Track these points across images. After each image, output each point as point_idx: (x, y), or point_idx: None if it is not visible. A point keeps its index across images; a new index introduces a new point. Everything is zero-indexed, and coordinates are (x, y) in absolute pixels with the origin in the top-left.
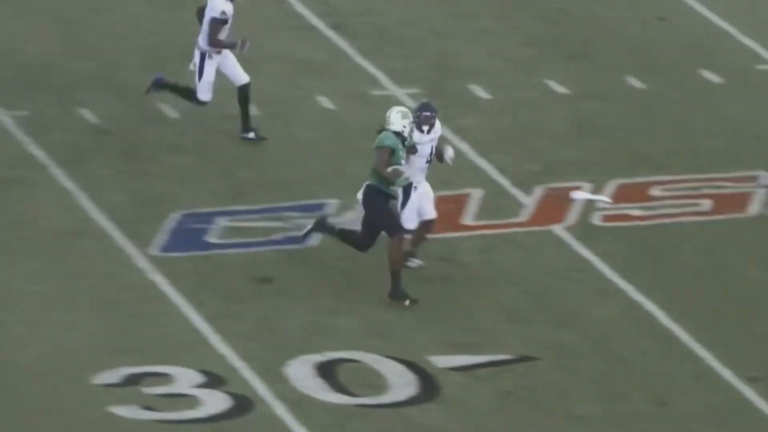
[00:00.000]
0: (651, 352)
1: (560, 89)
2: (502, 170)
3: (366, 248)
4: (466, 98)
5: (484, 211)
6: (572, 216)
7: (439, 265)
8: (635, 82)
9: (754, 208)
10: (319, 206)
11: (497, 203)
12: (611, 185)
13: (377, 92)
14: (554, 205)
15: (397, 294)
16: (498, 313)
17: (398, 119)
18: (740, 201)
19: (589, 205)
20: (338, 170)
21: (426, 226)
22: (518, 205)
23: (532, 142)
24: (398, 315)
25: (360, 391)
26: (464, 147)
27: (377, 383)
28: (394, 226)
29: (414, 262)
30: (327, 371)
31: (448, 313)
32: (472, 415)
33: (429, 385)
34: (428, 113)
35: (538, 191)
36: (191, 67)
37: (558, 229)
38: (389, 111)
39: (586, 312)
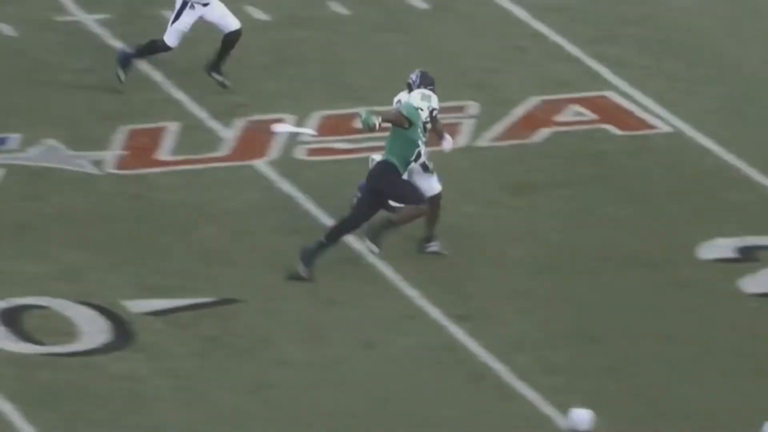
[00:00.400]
0: (359, 293)
1: (260, 16)
2: (199, 101)
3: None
4: (160, 24)
5: (180, 145)
6: (275, 150)
7: (131, 203)
8: (339, 8)
9: (463, 139)
10: (2, 140)
11: (195, 137)
12: (315, 117)
13: (63, 18)
14: (256, 139)
15: (379, 239)
16: (197, 253)
17: (417, 99)
18: (451, 131)
19: (293, 138)
20: (23, 102)
21: (435, 202)
22: (217, 139)
23: (231, 72)
24: (90, 257)
25: (48, 339)
26: (158, 77)
27: (67, 330)
28: (420, 197)
29: (433, 246)
30: (10, 319)
31: (143, 255)
32: (169, 363)
33: (123, 331)
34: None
35: (239, 124)
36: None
37: (260, 163)
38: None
39: (291, 252)
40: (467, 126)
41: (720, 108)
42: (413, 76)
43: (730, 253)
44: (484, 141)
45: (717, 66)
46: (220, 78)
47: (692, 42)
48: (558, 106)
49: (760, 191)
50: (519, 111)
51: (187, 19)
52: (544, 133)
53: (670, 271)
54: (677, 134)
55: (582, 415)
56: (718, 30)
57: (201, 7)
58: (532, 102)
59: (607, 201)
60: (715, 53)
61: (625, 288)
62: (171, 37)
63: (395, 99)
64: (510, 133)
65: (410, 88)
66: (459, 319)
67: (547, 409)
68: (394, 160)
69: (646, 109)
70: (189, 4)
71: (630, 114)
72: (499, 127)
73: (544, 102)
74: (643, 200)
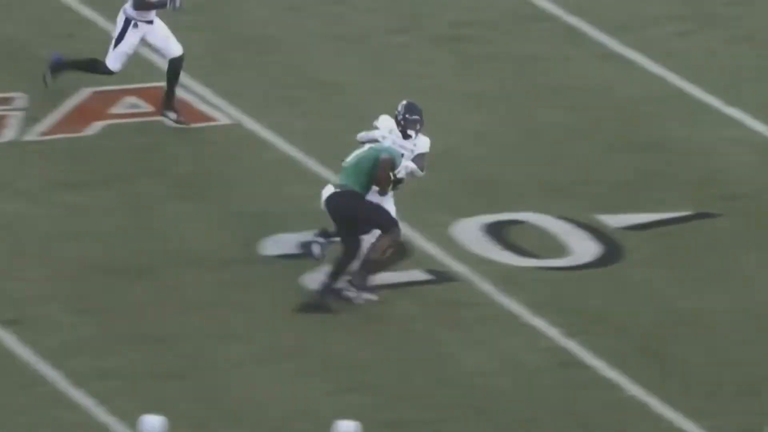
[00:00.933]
0: None
1: None
2: None
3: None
4: None
5: None
6: None
7: None
8: None
9: (9, 133)
10: None
11: None
12: None
13: None
14: None
15: (365, 286)
16: None
17: (386, 124)
18: None
19: None
20: None
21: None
22: None
23: None
24: None
25: None
26: None
27: None
28: (391, 221)
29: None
30: None
31: None
32: None
33: None
34: (416, 116)
35: None
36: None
37: None
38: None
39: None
40: (15, 119)
41: (279, 99)
42: (399, 108)
43: (293, 249)
44: (33, 135)
45: (278, 59)
46: (174, 117)
47: (252, 33)
48: (112, 97)
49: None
50: (71, 103)
51: (132, 39)
52: (98, 125)
53: (233, 269)
54: (237, 126)
55: (152, 422)
56: (289, 30)
57: (145, 25)
58: (84, 93)
59: (165, 197)
60: (271, 46)
61: (187, 288)
62: (114, 61)
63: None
64: (61, 126)
65: (397, 121)
66: (5, 324)
67: (105, 416)
68: (358, 189)
69: (204, 100)
70: (132, 23)
71: (188, 105)
72: (49, 120)
73: (97, 93)
74: (203, 195)
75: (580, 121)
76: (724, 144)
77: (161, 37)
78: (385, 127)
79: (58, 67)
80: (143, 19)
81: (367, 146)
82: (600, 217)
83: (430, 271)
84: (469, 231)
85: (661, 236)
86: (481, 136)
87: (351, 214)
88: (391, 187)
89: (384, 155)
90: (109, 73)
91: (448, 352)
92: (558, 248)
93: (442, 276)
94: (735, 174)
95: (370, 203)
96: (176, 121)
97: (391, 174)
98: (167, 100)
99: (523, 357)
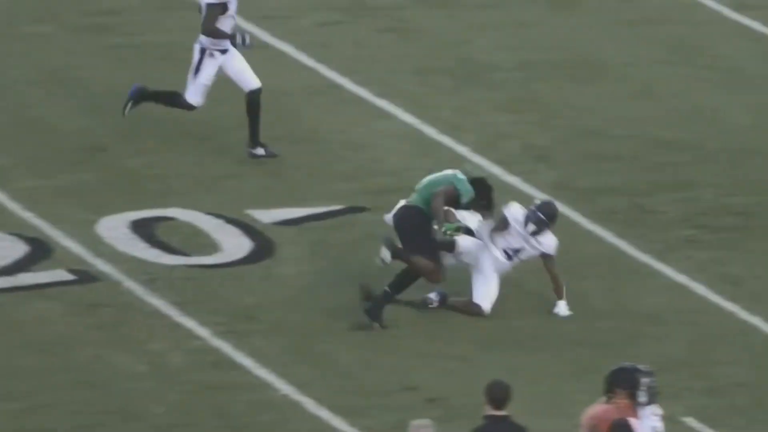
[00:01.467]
0: None
1: None
2: None
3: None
4: None
5: None
6: None
7: None
8: None
9: None
10: None
11: None
12: None
13: None
14: None
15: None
16: None
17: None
18: None
19: None
20: None
21: None
22: None
23: None
24: None
25: None
26: None
27: None
28: (431, 262)
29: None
30: None
31: None
32: None
33: None
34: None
35: None
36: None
37: None
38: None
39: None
40: None
41: None
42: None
43: None
44: None
45: None
46: (261, 152)
47: None
48: None
49: None
50: None
51: (209, 70)
52: None
53: None
54: None
55: None
56: None
57: (220, 54)
58: None
59: None
60: None
61: None
62: (195, 95)
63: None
64: None
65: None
66: None
67: None
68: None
69: None
70: (207, 53)
71: None
72: None
73: None
74: None
75: (230, 114)
76: (375, 136)
77: (237, 69)
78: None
79: (139, 97)
80: (218, 48)
81: (443, 172)
82: (251, 212)
83: (73, 271)
84: (115, 228)
85: (312, 231)
86: (134, 129)
87: (403, 230)
88: (446, 229)
89: (441, 188)
90: (191, 107)
91: (94, 354)
92: (208, 245)
93: (86, 276)
94: (386, 167)
95: (425, 230)
96: (266, 154)
97: (447, 209)
98: (252, 136)
99: (171, 358)
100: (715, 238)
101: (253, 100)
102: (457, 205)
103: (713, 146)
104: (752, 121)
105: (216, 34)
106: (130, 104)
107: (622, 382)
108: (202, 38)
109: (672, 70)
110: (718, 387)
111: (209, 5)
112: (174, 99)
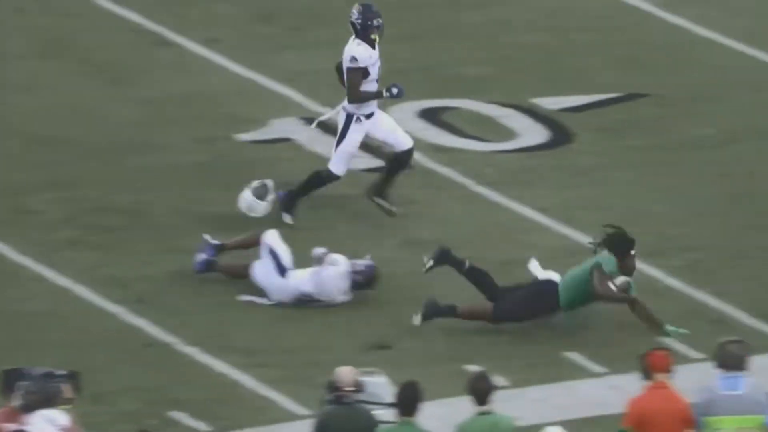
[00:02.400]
0: None
1: None
2: None
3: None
4: None
5: None
6: None
7: None
8: None
9: None
10: None
11: None
12: None
13: None
14: None
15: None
16: None
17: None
18: None
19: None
20: None
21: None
22: None
23: None
24: None
25: None
26: None
27: None
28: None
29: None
30: None
31: None
32: None
33: None
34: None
35: None
36: (314, 126)
37: None
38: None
39: None
40: None
41: None
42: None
43: None
44: None
45: None
46: (385, 204)
47: None
48: None
49: None
50: None
51: (355, 136)
52: None
53: None
54: None
55: None
56: None
57: (366, 120)
58: None
59: None
60: None
61: None
62: (339, 164)
63: None
64: None
65: None
66: None
67: None
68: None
69: None
70: (355, 118)
71: None
72: None
73: None
74: None
75: None
76: None
77: (387, 130)
78: None
79: (289, 203)
80: (364, 112)
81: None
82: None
83: None
84: None
85: None
86: None
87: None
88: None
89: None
90: (336, 178)
91: None
92: None
93: None
94: None
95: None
96: (387, 211)
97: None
98: (381, 187)
99: None
100: (100, 239)
101: (402, 159)
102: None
103: (95, 142)
104: (135, 116)
105: (362, 97)
106: (289, 217)
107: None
108: (347, 105)
109: (46, 65)
110: (102, 393)
111: (349, 69)
112: (319, 179)
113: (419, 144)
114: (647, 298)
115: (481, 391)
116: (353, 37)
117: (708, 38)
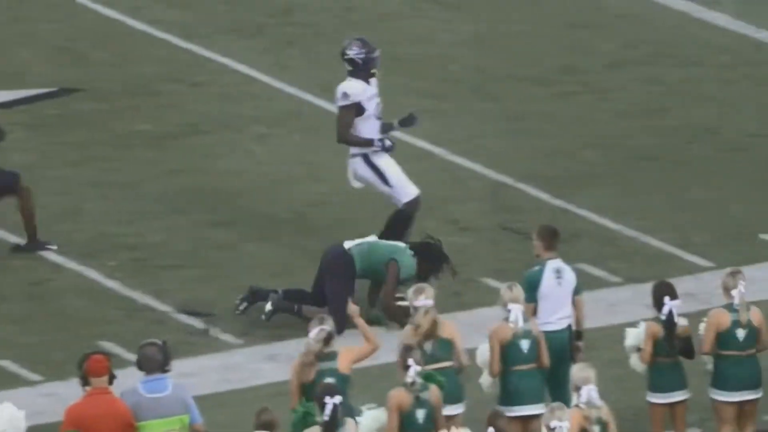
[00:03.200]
0: None
1: None
2: None
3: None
4: None
5: None
6: None
7: None
8: None
9: None
10: None
11: None
12: None
13: None
14: None
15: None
16: None
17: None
18: None
19: None
20: None
21: None
22: None
23: None
24: None
25: None
26: None
27: None
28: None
29: None
30: None
31: None
32: None
33: None
34: None
35: None
36: (355, 182)
37: None
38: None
39: None
40: None
41: None
42: None
43: None
44: None
45: None
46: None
47: None
48: None
49: None
50: None
51: (386, 159)
52: None
53: None
54: None
55: None
56: None
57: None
58: None
59: None
60: None
61: None
62: (405, 191)
63: None
64: None
65: None
66: None
67: None
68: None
69: None
70: (370, 155)
71: None
72: None
73: None
74: None
75: None
76: None
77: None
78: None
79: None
80: (372, 149)
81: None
82: None
83: None
84: None
85: None
86: None
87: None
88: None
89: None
90: (416, 203)
91: None
92: None
93: None
94: None
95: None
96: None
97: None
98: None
99: None
100: None
101: (406, 213)
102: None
103: None
104: None
105: (351, 141)
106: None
107: None
108: (352, 148)
109: None
110: None
111: (341, 108)
112: (401, 220)
113: None
114: (86, 301)
115: None
116: (348, 75)
117: (143, 31)
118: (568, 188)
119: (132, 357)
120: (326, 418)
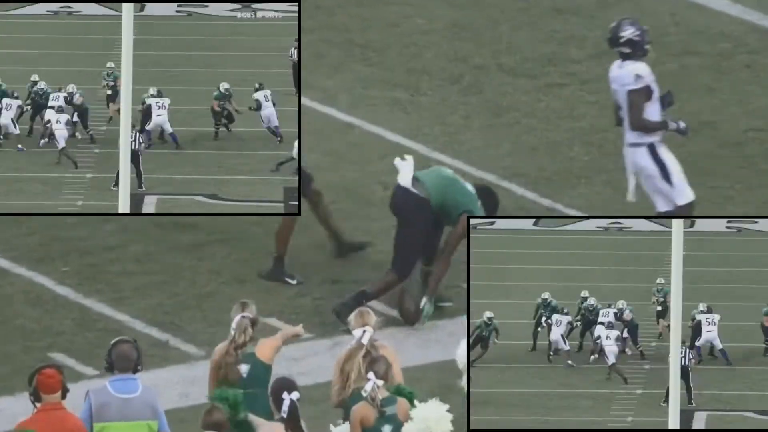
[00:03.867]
0: None
1: None
2: None
3: None
4: None
5: None
6: None
7: None
8: None
9: None
10: None
11: None
12: None
13: None
14: None
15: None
16: None
17: None
18: None
19: None
20: None
21: None
22: None
23: None
24: None
25: None
26: None
27: None
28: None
29: None
30: None
31: None
32: None
33: None
34: None
35: None
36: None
37: None
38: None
39: None
40: None
41: None
42: None
43: None
44: None
45: None
46: None
47: None
48: None
49: None
50: None
51: (668, 155)
52: None
53: None
54: None
55: None
56: None
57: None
58: None
59: None
60: None
61: None
62: (683, 192)
63: None
64: None
65: None
66: None
67: None
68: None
69: None
70: (652, 147)
71: None
72: None
73: None
74: None
75: None
76: None
77: None
78: None
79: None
80: (655, 138)
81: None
82: None
83: None
84: None
85: None
86: None
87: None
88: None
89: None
90: (692, 206)
91: None
92: None
93: None
94: None
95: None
96: None
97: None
98: None
99: None
100: None
101: None
102: None
103: None
104: None
105: (648, 127)
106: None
107: None
108: (630, 137)
109: None
110: None
111: (631, 92)
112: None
113: None
114: (37, 311)
115: None
116: (621, 59)
117: None
118: (556, 186)
119: (85, 369)
120: (284, 414)
